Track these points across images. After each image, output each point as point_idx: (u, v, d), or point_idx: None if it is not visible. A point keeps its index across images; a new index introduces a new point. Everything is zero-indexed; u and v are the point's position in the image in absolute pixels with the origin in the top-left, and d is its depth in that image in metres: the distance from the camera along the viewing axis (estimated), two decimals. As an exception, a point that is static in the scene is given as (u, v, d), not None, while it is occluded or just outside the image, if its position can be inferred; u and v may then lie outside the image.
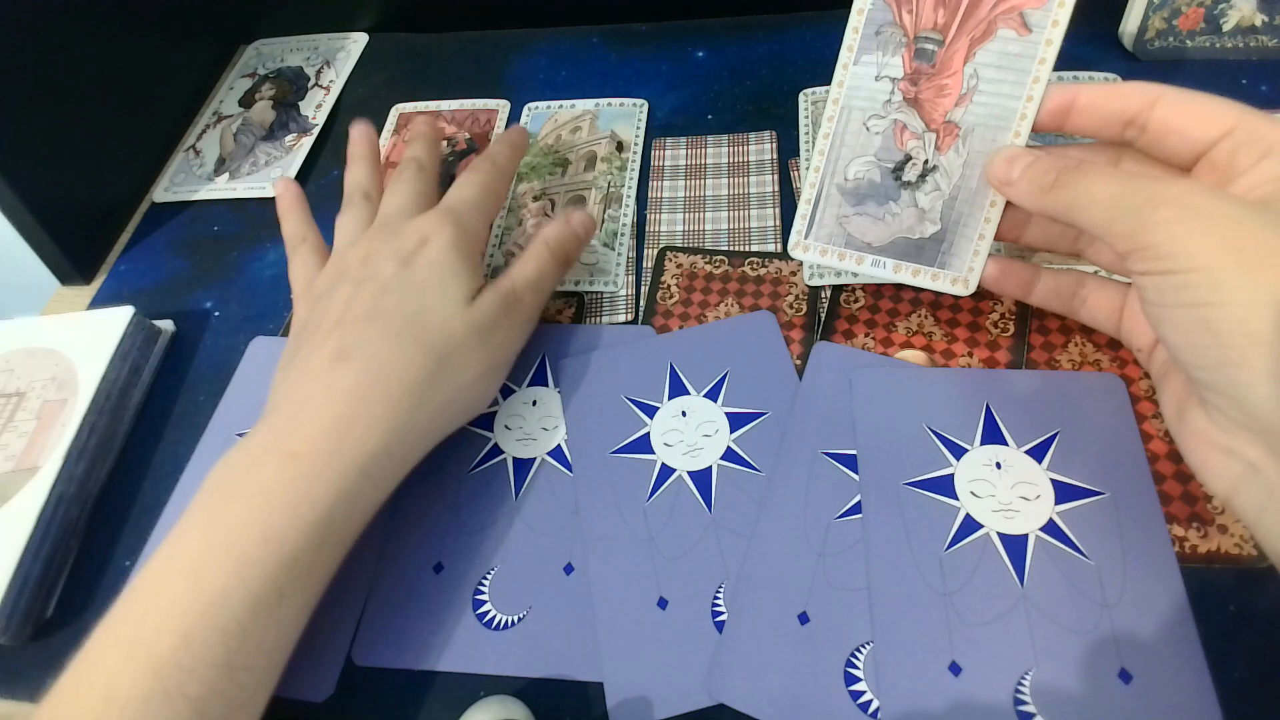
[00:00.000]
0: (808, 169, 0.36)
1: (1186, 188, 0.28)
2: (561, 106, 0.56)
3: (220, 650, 0.29)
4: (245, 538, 0.30)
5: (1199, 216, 0.27)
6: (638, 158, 0.52)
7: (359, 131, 0.46)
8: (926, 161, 0.34)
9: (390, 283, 0.37)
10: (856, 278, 0.43)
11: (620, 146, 0.53)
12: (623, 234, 0.48)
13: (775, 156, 0.50)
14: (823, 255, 0.36)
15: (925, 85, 0.33)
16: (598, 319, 0.45)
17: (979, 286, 0.36)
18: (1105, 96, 0.32)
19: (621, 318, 0.45)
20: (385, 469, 0.34)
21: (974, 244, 0.34)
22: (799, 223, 0.37)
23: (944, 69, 0.33)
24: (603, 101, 0.56)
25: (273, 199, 0.54)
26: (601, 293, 0.46)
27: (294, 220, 0.45)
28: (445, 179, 0.53)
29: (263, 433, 0.34)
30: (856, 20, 0.35)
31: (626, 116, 0.54)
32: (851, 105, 0.35)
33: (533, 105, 0.56)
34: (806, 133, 0.50)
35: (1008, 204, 0.34)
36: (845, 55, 0.35)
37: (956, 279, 0.35)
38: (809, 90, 0.52)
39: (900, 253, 0.35)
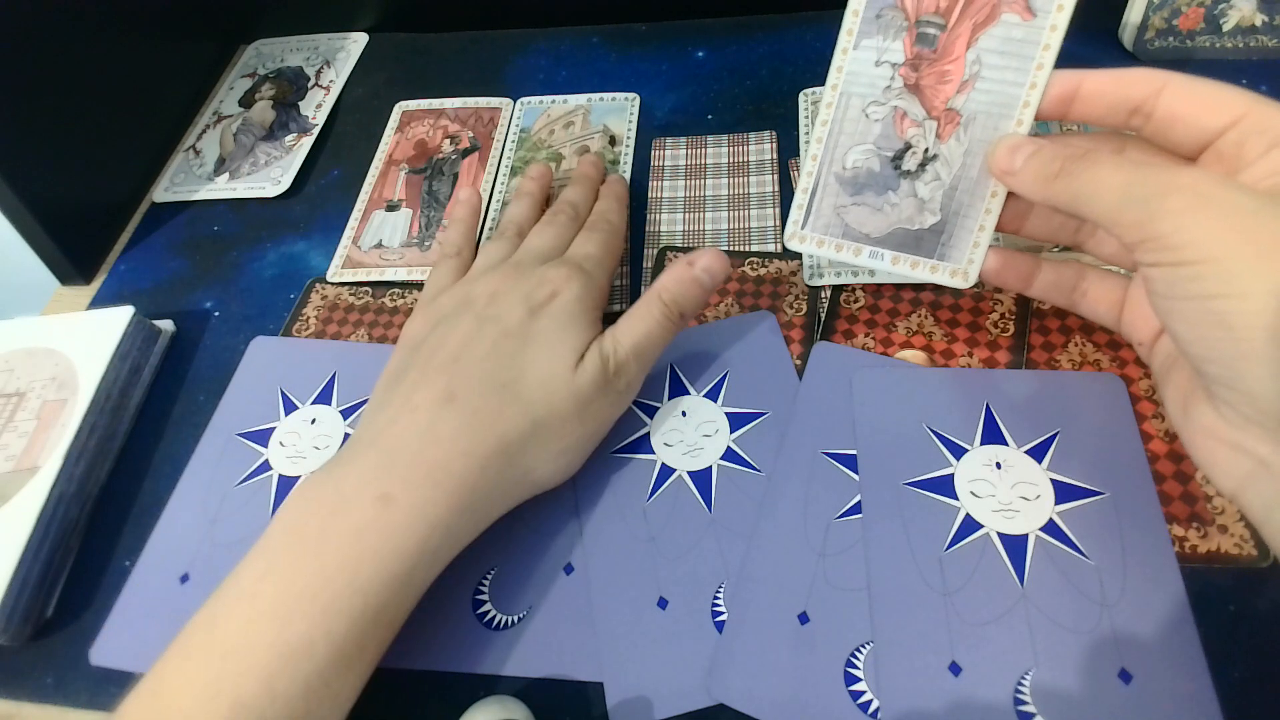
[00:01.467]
0: (805, 157, 0.35)
1: (1198, 176, 0.27)
2: (555, 101, 0.56)
3: (301, 702, 0.28)
4: (333, 584, 0.29)
5: (1211, 206, 0.26)
6: (630, 151, 0.52)
7: (536, 170, 0.47)
8: (927, 150, 0.33)
9: (512, 329, 0.36)
10: (856, 275, 0.43)
11: (613, 140, 0.53)
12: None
13: (775, 156, 0.50)
14: (819, 246, 0.35)
15: (926, 71, 0.32)
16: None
17: (979, 280, 0.35)
18: (1111, 83, 0.31)
19: (617, 307, 0.45)
20: (465, 526, 0.33)
21: (974, 235, 0.33)
22: (795, 213, 0.36)
23: (946, 54, 0.32)
24: (595, 96, 0.56)
25: (273, 199, 0.54)
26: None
27: (457, 231, 0.44)
28: (450, 178, 0.53)
29: (354, 468, 0.32)
30: (857, 3, 0.34)
31: (619, 110, 0.54)
32: (851, 91, 0.34)
33: (526, 100, 0.57)
34: (806, 132, 0.50)
35: (1009, 194, 0.33)
36: (845, 39, 0.34)
37: (956, 271, 0.34)
38: (809, 90, 0.52)
39: (899, 244, 0.34)
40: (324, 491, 0.32)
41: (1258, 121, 0.28)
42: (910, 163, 0.33)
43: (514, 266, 0.39)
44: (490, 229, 0.50)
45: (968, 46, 0.32)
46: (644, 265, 0.47)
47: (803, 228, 0.36)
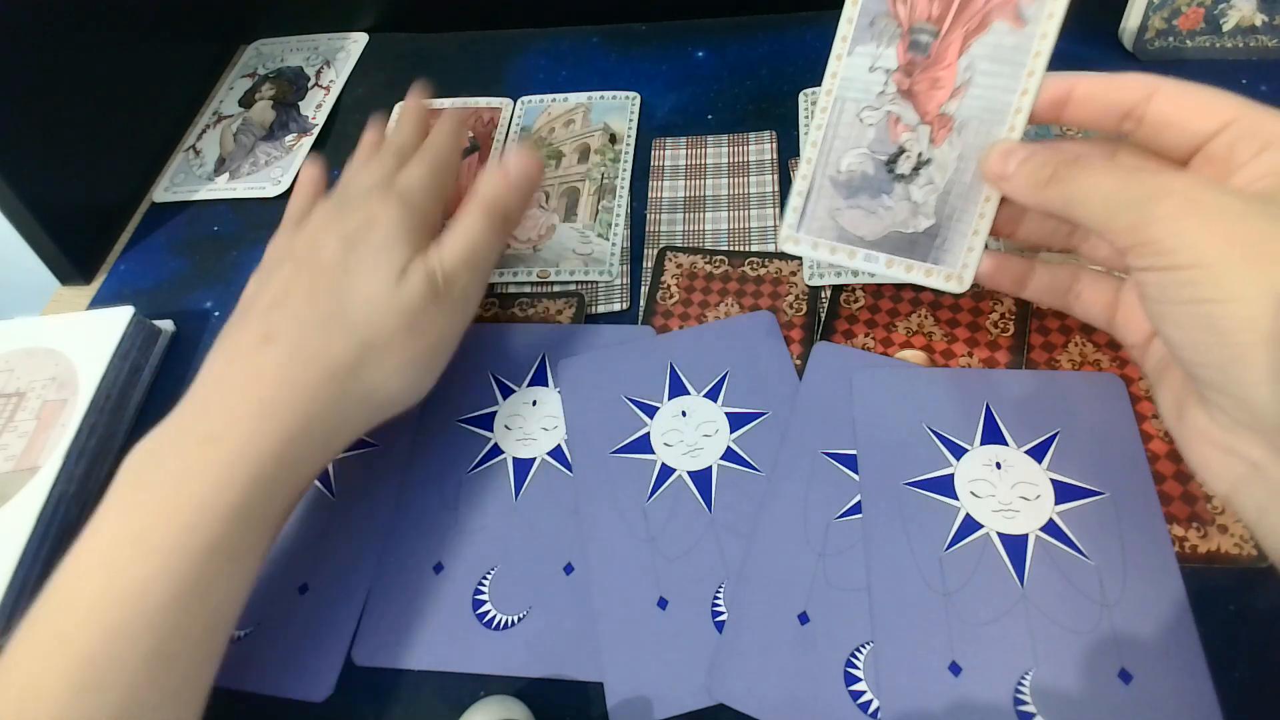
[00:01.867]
0: (801, 160, 0.36)
1: (1189, 181, 0.27)
2: (555, 100, 0.56)
3: (148, 640, 0.28)
4: (162, 526, 0.30)
5: (1203, 211, 0.26)
6: (630, 149, 0.52)
7: (374, 127, 0.46)
8: (920, 154, 0.33)
9: (327, 265, 0.36)
10: (856, 276, 0.43)
11: (613, 139, 0.53)
12: (617, 224, 0.48)
13: (775, 156, 0.50)
14: (814, 249, 0.35)
15: (920, 77, 0.33)
16: (594, 307, 0.45)
17: (973, 283, 0.35)
18: (1103, 88, 0.31)
19: (617, 306, 0.45)
20: (304, 454, 0.33)
21: (968, 239, 0.33)
22: (790, 215, 0.36)
23: (938, 61, 0.33)
24: (595, 94, 0.56)
25: (273, 199, 0.54)
26: (597, 282, 0.46)
27: (298, 200, 0.43)
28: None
29: (178, 417, 0.33)
30: (851, 10, 0.34)
31: (619, 109, 0.54)
32: (845, 96, 0.34)
33: (526, 99, 0.57)
34: (806, 133, 0.50)
35: (1003, 199, 0.33)
36: (839, 45, 0.34)
37: (950, 275, 0.34)
38: (809, 90, 0.52)
39: (893, 247, 0.34)
40: (151, 443, 0.32)
41: (1248, 125, 0.28)
42: (904, 166, 0.34)
43: (334, 207, 0.39)
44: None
45: (960, 53, 0.32)
46: (644, 265, 0.47)
47: (797, 230, 0.36)
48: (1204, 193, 0.27)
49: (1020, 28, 0.32)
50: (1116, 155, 0.33)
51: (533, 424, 0.41)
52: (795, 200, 0.36)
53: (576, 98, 0.56)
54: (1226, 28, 0.49)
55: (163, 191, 0.56)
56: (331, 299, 0.35)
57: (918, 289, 0.42)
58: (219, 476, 0.31)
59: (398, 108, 0.58)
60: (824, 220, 0.35)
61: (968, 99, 0.32)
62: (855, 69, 0.34)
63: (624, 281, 0.46)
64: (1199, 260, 0.26)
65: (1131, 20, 0.50)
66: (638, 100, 0.55)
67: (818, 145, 0.35)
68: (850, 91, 0.34)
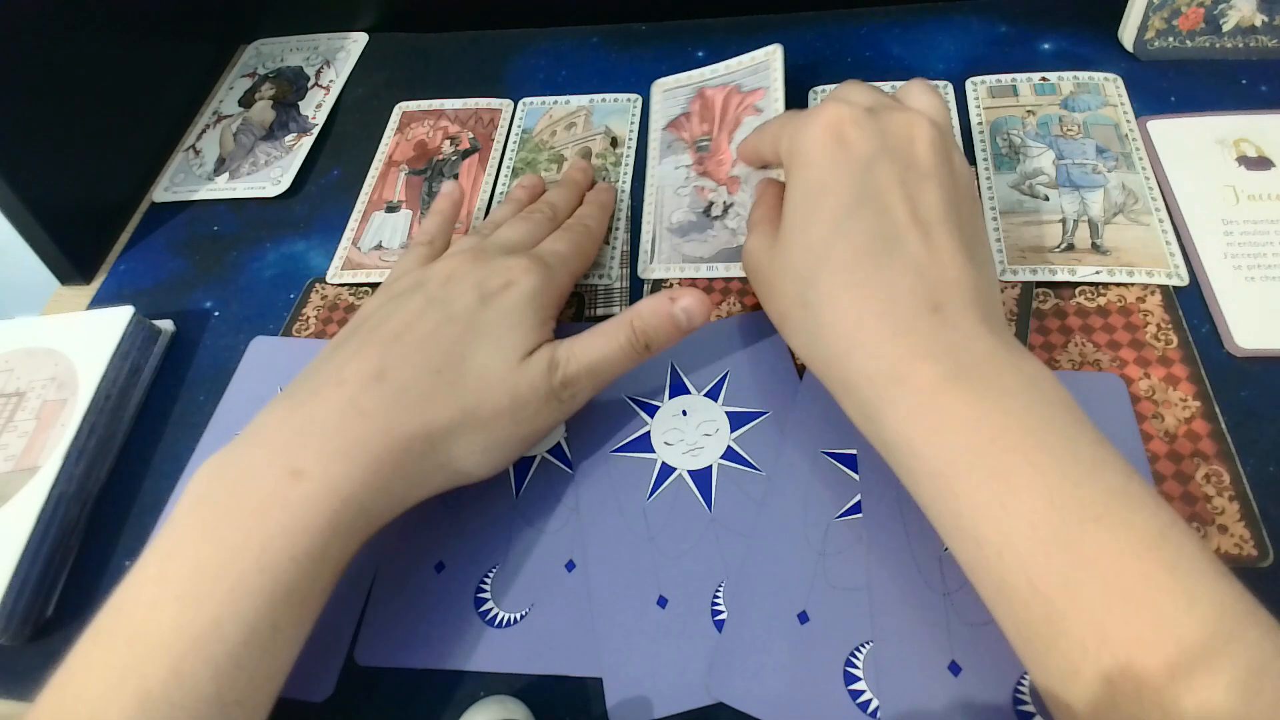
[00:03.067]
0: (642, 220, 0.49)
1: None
2: (556, 102, 0.56)
3: (211, 685, 0.27)
4: (240, 563, 0.28)
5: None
6: (632, 152, 0.52)
7: (530, 180, 0.48)
8: (725, 202, 0.47)
9: (459, 315, 0.35)
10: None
11: (615, 141, 0.53)
12: (617, 227, 0.48)
13: (775, 156, 0.50)
14: (668, 271, 0.46)
15: (709, 161, 0.49)
16: (594, 310, 0.45)
17: None
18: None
19: (617, 309, 0.45)
20: (379, 507, 0.32)
21: None
22: (643, 255, 0.47)
23: (716, 151, 0.49)
24: (597, 97, 0.56)
25: (273, 199, 0.54)
26: (597, 285, 0.46)
27: (434, 221, 0.44)
28: (449, 179, 0.53)
29: (264, 436, 0.32)
30: (654, 143, 0.51)
31: (620, 112, 0.54)
32: (663, 186, 0.49)
33: (528, 101, 0.56)
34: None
35: None
36: (652, 161, 0.51)
37: None
38: (818, 88, 0.52)
39: (727, 258, 0.45)
40: (233, 462, 0.31)
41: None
42: (716, 211, 0.47)
43: (475, 252, 0.38)
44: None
45: (729, 142, 0.49)
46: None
47: (650, 263, 0.46)
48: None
49: (759, 114, 0.48)
50: None
51: (533, 424, 0.41)
52: (645, 244, 0.47)
53: (578, 100, 0.56)
54: (1226, 28, 0.49)
55: (163, 191, 0.56)
56: (452, 353, 0.34)
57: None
58: (302, 517, 0.29)
59: (396, 112, 0.58)
60: (669, 253, 0.46)
61: (743, 164, 0.47)
62: (666, 171, 0.50)
63: (624, 285, 0.46)
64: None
65: (1131, 20, 0.50)
66: (640, 103, 0.55)
67: (653, 211, 0.48)
68: (665, 183, 0.49)
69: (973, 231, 0.34)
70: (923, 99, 0.37)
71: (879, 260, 0.31)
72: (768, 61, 0.50)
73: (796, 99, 0.52)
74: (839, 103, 0.35)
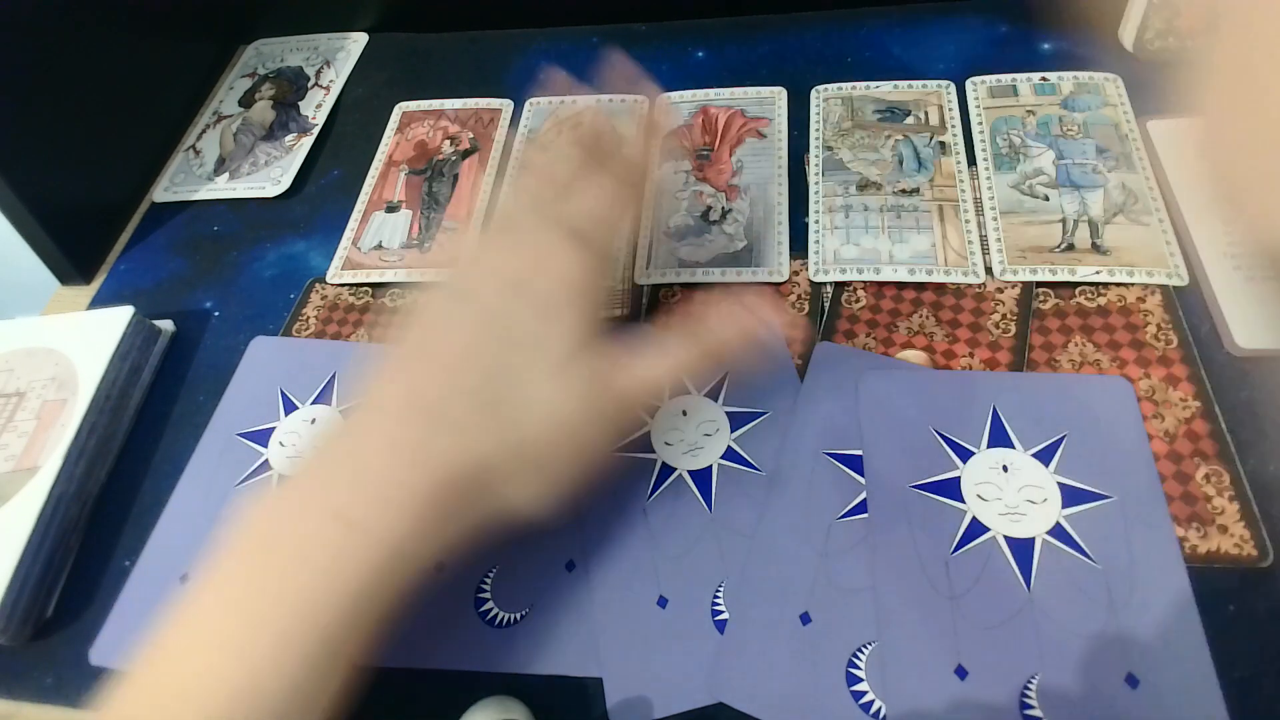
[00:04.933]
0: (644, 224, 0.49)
1: None
2: (563, 103, 0.56)
3: None
4: (287, 612, 0.27)
5: None
6: (638, 155, 0.52)
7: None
8: (723, 208, 0.48)
9: (512, 334, 0.32)
10: (860, 274, 0.43)
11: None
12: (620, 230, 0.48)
13: (776, 156, 0.50)
14: (663, 277, 0.46)
15: (708, 169, 0.50)
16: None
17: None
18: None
19: (619, 312, 0.45)
20: (426, 553, 0.30)
21: (776, 249, 0.46)
22: (640, 260, 0.47)
23: (717, 160, 0.51)
24: (603, 97, 0.56)
25: (273, 199, 0.54)
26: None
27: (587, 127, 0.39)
28: (449, 179, 0.53)
29: (318, 474, 0.30)
30: (654, 149, 0.50)
31: (626, 113, 0.54)
32: (662, 190, 0.50)
33: (534, 101, 0.56)
34: (817, 129, 0.50)
35: None
36: (651, 166, 0.50)
37: (771, 271, 0.45)
38: (821, 87, 0.52)
39: (723, 263, 0.46)
40: (282, 502, 0.30)
41: None
42: (714, 216, 0.48)
43: (531, 246, 0.34)
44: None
45: (730, 155, 0.51)
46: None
47: (647, 268, 0.46)
48: None
49: (764, 139, 0.51)
50: None
51: (534, 424, 0.41)
52: (641, 252, 0.47)
53: (584, 101, 0.56)
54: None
55: (163, 191, 0.56)
56: (504, 382, 0.31)
57: (919, 289, 0.43)
58: (353, 569, 0.28)
59: (396, 112, 0.58)
60: (666, 257, 0.47)
61: (746, 175, 0.49)
62: (666, 174, 0.51)
63: (625, 288, 0.46)
64: None
65: (1131, 20, 0.50)
66: (645, 104, 0.55)
67: (650, 215, 0.49)
68: (665, 186, 0.50)
69: None
70: None
71: None
72: (773, 98, 0.53)
73: (797, 102, 0.52)
74: None
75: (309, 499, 0.30)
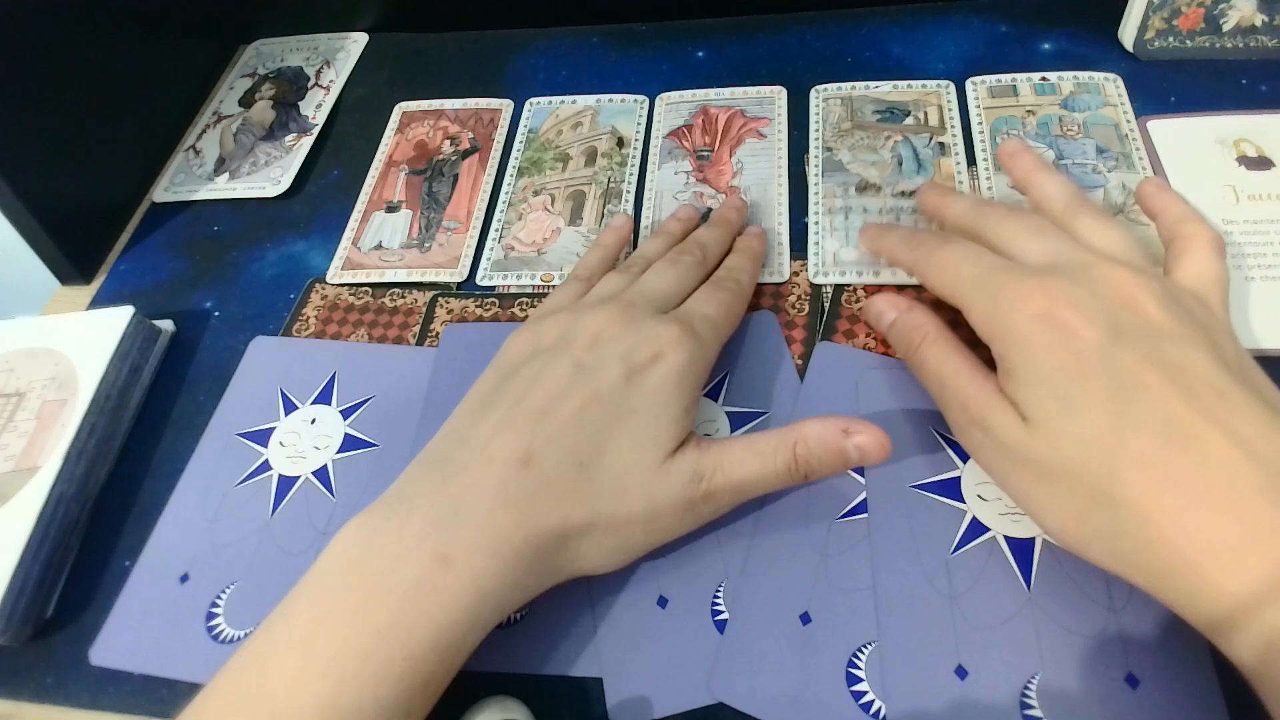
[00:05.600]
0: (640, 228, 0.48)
1: None
2: (563, 102, 0.56)
3: None
4: (387, 646, 0.28)
5: None
6: (638, 153, 0.52)
7: (685, 212, 0.46)
8: None
9: (604, 393, 0.33)
10: (860, 275, 0.43)
11: (621, 142, 0.53)
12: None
13: (776, 157, 0.50)
14: None
15: (709, 170, 0.50)
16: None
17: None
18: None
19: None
20: (509, 601, 0.31)
21: (777, 249, 0.46)
22: None
23: (717, 162, 0.51)
24: (604, 97, 0.56)
25: (273, 199, 0.54)
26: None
27: (595, 256, 0.43)
28: (450, 179, 0.53)
29: (419, 514, 0.30)
30: (655, 151, 0.52)
31: (627, 112, 0.54)
32: (662, 190, 0.50)
33: (534, 100, 0.56)
34: (817, 129, 0.50)
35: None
36: (652, 166, 0.51)
37: (771, 272, 0.45)
38: (820, 87, 0.52)
39: None
40: (385, 535, 0.30)
41: None
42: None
43: (625, 307, 0.36)
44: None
45: (730, 156, 0.51)
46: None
47: None
48: None
49: (764, 139, 0.51)
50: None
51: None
52: None
53: (585, 100, 0.56)
54: (1226, 28, 0.49)
55: (163, 191, 0.56)
56: (596, 440, 0.32)
57: (919, 290, 0.43)
58: (447, 609, 0.29)
59: (395, 112, 0.58)
60: None
61: (745, 176, 0.49)
62: (666, 175, 0.51)
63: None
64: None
65: (1131, 20, 0.50)
66: (646, 104, 0.55)
67: (650, 217, 0.49)
68: (665, 187, 0.50)
69: (1249, 363, 0.31)
70: (1105, 238, 0.34)
71: (1184, 448, 0.28)
72: (773, 98, 0.53)
73: (798, 105, 0.52)
74: (1033, 280, 0.32)
75: (420, 538, 0.30)
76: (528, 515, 0.31)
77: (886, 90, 0.51)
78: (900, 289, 0.43)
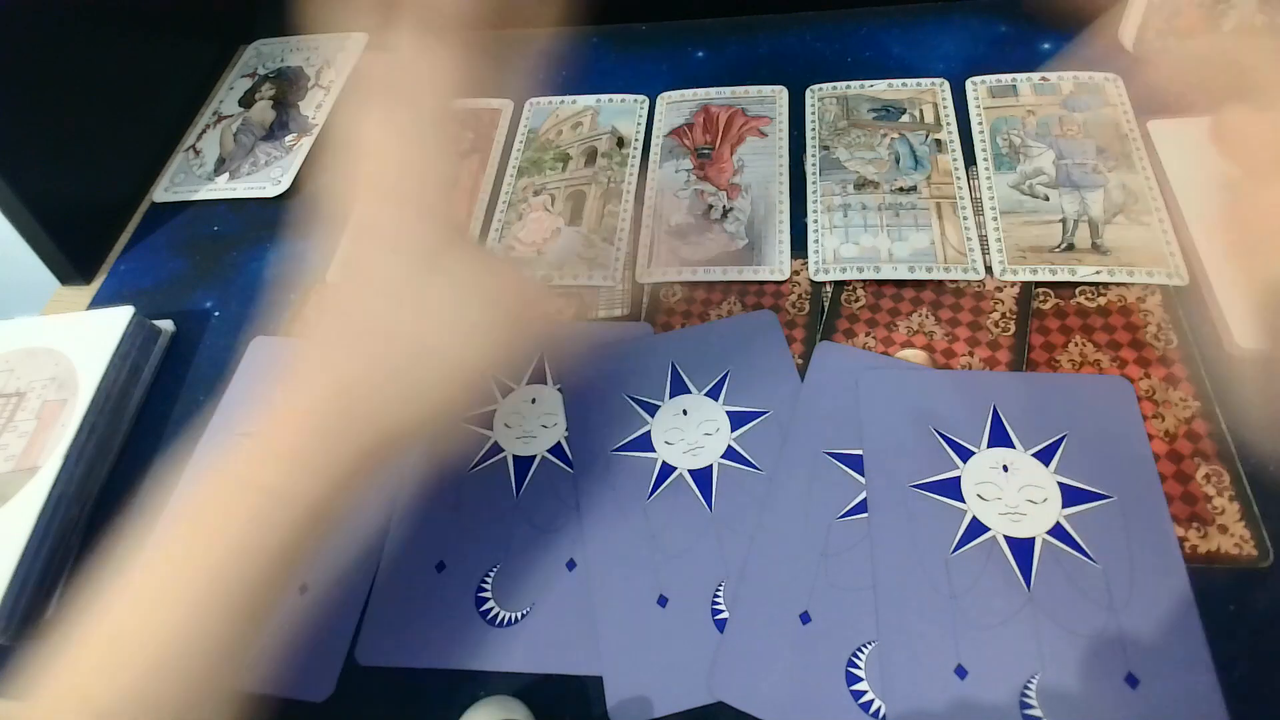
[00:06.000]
0: (643, 226, 0.49)
1: None
2: (564, 102, 0.56)
3: None
4: (208, 575, 0.29)
5: None
6: (638, 153, 0.52)
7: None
8: (724, 206, 0.48)
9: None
10: (861, 273, 0.43)
11: (621, 142, 0.53)
12: (622, 229, 0.48)
13: (776, 156, 0.50)
14: (663, 276, 0.46)
15: (709, 168, 0.50)
16: (595, 312, 0.45)
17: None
18: None
19: (619, 312, 0.45)
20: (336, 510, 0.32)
21: (777, 247, 0.46)
22: (641, 258, 0.47)
23: (718, 159, 0.51)
24: (604, 98, 0.56)
25: (273, 199, 0.54)
26: (599, 287, 0.46)
27: None
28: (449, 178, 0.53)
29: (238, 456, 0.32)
30: (655, 149, 0.52)
31: (627, 113, 0.54)
32: (663, 188, 0.50)
33: (535, 100, 0.56)
34: (813, 128, 0.50)
35: None
36: (652, 165, 0.51)
37: (773, 270, 0.45)
38: (815, 87, 0.52)
39: (725, 261, 0.46)
40: (208, 483, 0.31)
41: None
42: (714, 215, 0.48)
43: None
44: (500, 222, 0.50)
45: (731, 154, 0.51)
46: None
47: (648, 266, 0.46)
48: None
49: (765, 138, 0.51)
50: None
51: (533, 422, 0.41)
52: (643, 250, 0.47)
53: (585, 100, 0.56)
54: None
55: (163, 191, 0.56)
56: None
57: (919, 289, 0.43)
58: (270, 531, 0.30)
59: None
60: (666, 256, 0.47)
61: (747, 174, 0.49)
62: (666, 173, 0.51)
63: (625, 287, 0.46)
64: None
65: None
66: (646, 104, 0.55)
67: (650, 215, 0.49)
68: (666, 184, 0.50)
69: None
70: None
71: None
72: (774, 97, 0.53)
73: (798, 101, 0.52)
74: None
75: (228, 474, 0.31)
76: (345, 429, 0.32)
77: (881, 88, 0.52)
78: (900, 285, 0.43)
